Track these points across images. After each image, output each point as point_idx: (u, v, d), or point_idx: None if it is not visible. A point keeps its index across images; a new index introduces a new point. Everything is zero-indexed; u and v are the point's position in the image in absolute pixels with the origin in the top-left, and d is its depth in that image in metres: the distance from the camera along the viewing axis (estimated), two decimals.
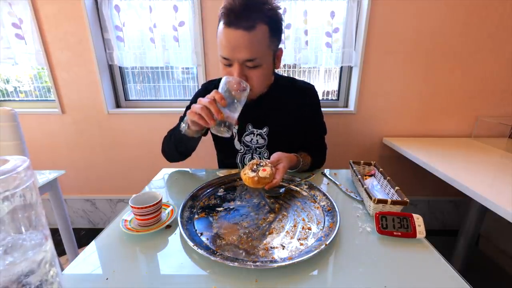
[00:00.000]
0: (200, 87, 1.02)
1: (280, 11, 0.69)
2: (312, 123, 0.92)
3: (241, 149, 0.88)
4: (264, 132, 0.86)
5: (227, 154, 0.91)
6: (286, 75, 1.59)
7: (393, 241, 0.53)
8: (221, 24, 0.66)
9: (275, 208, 0.64)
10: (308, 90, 0.89)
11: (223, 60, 0.70)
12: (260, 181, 0.61)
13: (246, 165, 0.89)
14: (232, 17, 0.63)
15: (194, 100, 0.89)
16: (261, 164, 0.65)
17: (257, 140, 0.87)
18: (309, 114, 0.90)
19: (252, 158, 0.90)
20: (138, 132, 1.57)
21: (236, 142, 0.88)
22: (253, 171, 0.63)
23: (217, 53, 1.47)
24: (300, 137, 0.91)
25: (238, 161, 0.90)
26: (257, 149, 0.88)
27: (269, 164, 0.65)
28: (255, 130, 0.86)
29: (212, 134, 0.94)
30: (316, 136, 0.95)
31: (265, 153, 0.89)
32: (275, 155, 0.71)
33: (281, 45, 0.76)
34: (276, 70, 0.86)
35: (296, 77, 1.57)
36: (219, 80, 0.89)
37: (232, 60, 0.67)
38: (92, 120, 1.55)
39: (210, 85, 0.90)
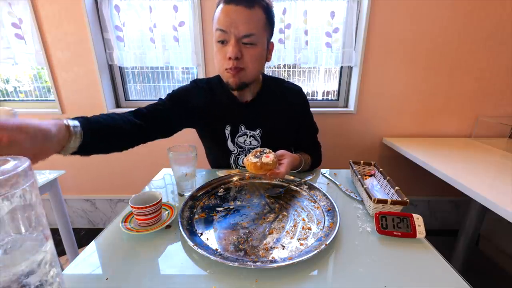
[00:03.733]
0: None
1: (273, 9, 0.74)
2: (303, 123, 0.93)
3: (234, 150, 0.88)
4: (257, 134, 0.86)
5: (220, 155, 0.91)
6: (286, 75, 1.59)
7: (393, 241, 0.53)
8: (221, 4, 0.69)
9: (275, 208, 0.64)
10: (296, 91, 0.91)
11: (219, 36, 0.70)
12: (263, 166, 0.62)
13: (242, 165, 0.90)
14: None
15: (176, 93, 0.84)
16: (265, 151, 0.66)
17: (250, 142, 0.87)
18: (300, 115, 0.91)
19: None
20: None
21: (229, 143, 0.87)
22: (257, 157, 0.64)
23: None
24: (292, 138, 0.92)
25: (232, 162, 0.90)
26: (250, 150, 0.88)
27: (273, 153, 0.66)
28: (248, 131, 0.86)
29: (201, 136, 0.94)
30: (309, 136, 0.96)
31: None
32: (280, 151, 0.72)
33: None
34: (268, 72, 0.85)
35: (296, 78, 1.59)
36: (207, 80, 0.88)
37: (229, 33, 0.68)
38: None
39: (201, 82, 0.88)
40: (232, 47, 0.68)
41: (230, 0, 0.66)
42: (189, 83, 0.88)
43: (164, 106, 0.80)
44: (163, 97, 0.83)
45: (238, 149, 0.88)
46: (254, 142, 0.87)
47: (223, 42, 0.71)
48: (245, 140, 0.86)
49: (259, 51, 0.73)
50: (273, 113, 0.87)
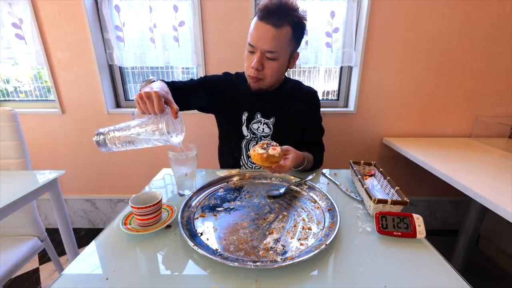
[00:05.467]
0: None
1: (305, 22, 0.79)
2: (312, 123, 0.98)
3: (247, 135, 0.94)
4: (271, 122, 0.92)
5: (234, 138, 0.96)
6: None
7: (393, 241, 0.53)
8: (256, 18, 0.77)
9: (275, 208, 0.64)
10: (311, 93, 0.98)
11: (249, 47, 0.80)
12: (269, 158, 0.62)
13: (249, 150, 0.93)
14: (265, 13, 0.74)
15: (209, 78, 0.96)
16: (272, 144, 0.67)
17: (263, 129, 0.93)
18: (311, 115, 0.97)
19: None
20: None
21: (244, 128, 0.94)
22: (263, 149, 0.64)
23: (217, 53, 1.49)
24: (301, 133, 0.97)
25: (243, 146, 0.95)
26: (262, 137, 0.94)
27: (279, 146, 0.67)
28: (262, 119, 0.92)
29: (218, 118, 1.01)
30: (316, 136, 1.00)
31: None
32: (285, 146, 0.74)
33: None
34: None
35: (296, 78, 1.59)
36: (236, 73, 0.98)
37: (256, 48, 0.77)
38: (92, 120, 1.55)
39: (229, 75, 0.98)
40: (256, 60, 0.78)
41: (263, 18, 0.74)
42: (221, 73, 0.99)
43: (192, 84, 0.92)
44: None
45: (251, 135, 0.94)
46: (267, 130, 0.93)
47: (251, 52, 0.80)
48: (258, 127, 0.93)
49: (279, 64, 0.81)
50: (287, 106, 0.93)
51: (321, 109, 1.01)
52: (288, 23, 0.75)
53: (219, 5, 1.33)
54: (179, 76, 1.62)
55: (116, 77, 1.57)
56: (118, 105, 1.61)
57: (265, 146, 0.66)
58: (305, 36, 1.39)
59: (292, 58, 0.85)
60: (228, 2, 1.33)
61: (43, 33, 1.37)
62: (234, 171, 0.84)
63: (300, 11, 0.76)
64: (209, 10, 1.35)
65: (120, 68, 1.55)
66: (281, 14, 0.74)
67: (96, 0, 1.38)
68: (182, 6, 1.37)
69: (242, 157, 0.97)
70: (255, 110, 0.93)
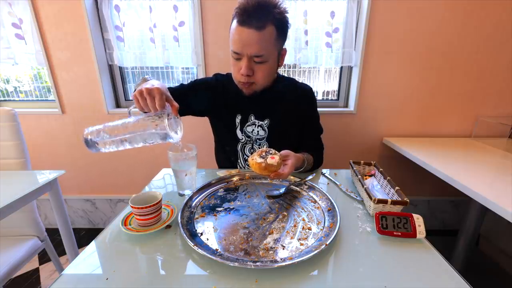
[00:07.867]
0: None
1: (288, 15, 0.75)
2: (309, 122, 0.96)
3: (242, 138, 0.93)
4: (265, 124, 0.90)
5: (228, 141, 0.95)
6: (286, 75, 1.59)
7: (393, 241, 0.53)
8: (235, 22, 0.73)
9: (275, 208, 0.64)
10: (307, 91, 0.96)
11: (233, 55, 0.77)
12: (267, 167, 0.62)
13: (247, 154, 0.93)
14: (245, 17, 0.70)
15: (199, 82, 0.94)
16: (270, 152, 0.66)
17: (257, 132, 0.91)
18: (307, 113, 0.95)
19: (253, 148, 0.93)
20: None
21: (238, 131, 0.92)
22: (262, 157, 0.63)
23: (217, 53, 1.49)
24: (298, 133, 0.95)
25: (239, 149, 0.94)
26: (257, 140, 0.92)
27: (278, 154, 0.66)
28: (256, 121, 0.90)
29: (212, 121, 1.00)
30: (314, 134, 0.99)
31: (264, 145, 0.92)
32: (284, 151, 0.73)
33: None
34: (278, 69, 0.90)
35: (296, 78, 1.59)
36: (227, 74, 0.95)
37: (242, 54, 0.74)
38: (92, 120, 1.55)
39: (221, 77, 0.95)
40: (244, 66, 0.75)
41: (243, 23, 0.70)
42: (212, 75, 0.97)
43: (183, 89, 0.90)
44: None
45: (246, 138, 0.92)
46: (262, 132, 0.91)
47: (237, 59, 0.77)
48: (253, 130, 0.91)
49: (269, 66, 0.79)
50: (282, 106, 0.91)
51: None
52: (270, 22, 0.71)
53: (219, 5, 1.33)
54: (179, 76, 1.62)
55: (116, 77, 1.56)
56: (118, 105, 1.61)
57: (263, 154, 0.64)
58: (305, 36, 1.40)
59: (280, 56, 0.82)
60: (228, 2, 1.33)
61: (43, 33, 1.37)
62: (234, 171, 0.84)
63: (280, 5, 0.72)
64: (209, 10, 1.35)
65: (120, 68, 1.55)
66: (262, 15, 0.70)
67: (96, 0, 1.38)
68: (182, 6, 1.37)
69: (239, 160, 0.96)
70: (248, 112, 0.90)
